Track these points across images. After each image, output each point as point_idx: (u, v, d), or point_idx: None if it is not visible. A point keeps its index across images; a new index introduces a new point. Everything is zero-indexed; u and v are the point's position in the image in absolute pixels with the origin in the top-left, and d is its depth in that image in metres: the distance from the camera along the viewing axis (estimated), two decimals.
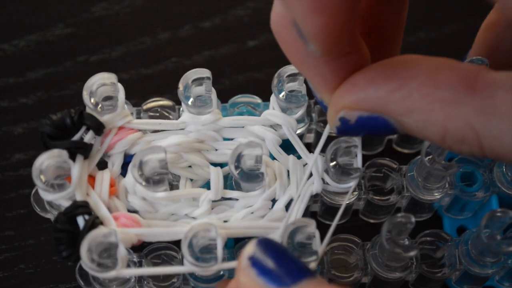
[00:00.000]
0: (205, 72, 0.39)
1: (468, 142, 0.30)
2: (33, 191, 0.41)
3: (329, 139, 0.43)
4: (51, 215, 0.41)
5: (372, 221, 0.46)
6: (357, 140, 0.38)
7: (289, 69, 0.40)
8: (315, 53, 0.30)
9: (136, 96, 0.50)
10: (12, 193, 0.49)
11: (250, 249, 0.33)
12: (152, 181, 0.37)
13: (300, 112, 0.41)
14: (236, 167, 0.38)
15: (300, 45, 0.32)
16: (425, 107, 0.30)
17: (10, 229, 0.48)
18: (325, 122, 0.45)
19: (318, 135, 0.45)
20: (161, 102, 0.44)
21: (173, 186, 0.42)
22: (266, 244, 0.33)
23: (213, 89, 0.41)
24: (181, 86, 0.40)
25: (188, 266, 0.36)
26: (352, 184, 0.39)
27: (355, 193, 0.42)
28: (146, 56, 0.54)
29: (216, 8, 0.56)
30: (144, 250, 0.41)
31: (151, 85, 0.53)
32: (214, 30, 0.55)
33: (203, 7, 0.56)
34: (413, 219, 0.37)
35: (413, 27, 0.55)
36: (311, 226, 0.36)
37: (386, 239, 0.38)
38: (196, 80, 0.40)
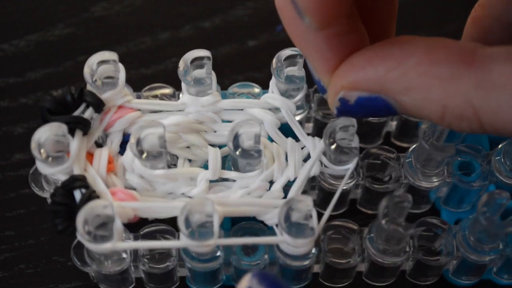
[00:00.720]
0: (205, 52, 0.40)
1: (467, 118, 0.30)
2: (32, 169, 0.41)
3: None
4: (48, 194, 0.41)
5: (370, 211, 0.46)
6: (354, 120, 0.38)
7: (288, 52, 0.40)
8: (310, 27, 0.30)
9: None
10: (12, 193, 0.49)
11: (244, 283, 0.33)
12: (150, 156, 0.37)
13: (299, 95, 0.41)
14: (234, 145, 0.38)
15: (300, 21, 0.32)
16: (423, 84, 0.30)
17: (10, 229, 0.47)
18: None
19: (317, 124, 0.45)
20: (161, 90, 0.44)
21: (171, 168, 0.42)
22: (261, 277, 0.33)
23: (213, 72, 0.41)
24: (181, 66, 0.40)
25: (184, 241, 0.36)
26: (351, 166, 0.39)
27: (353, 179, 0.42)
28: (146, 56, 0.54)
29: (216, 8, 0.56)
30: (140, 231, 0.40)
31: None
32: (214, 30, 0.56)
33: (203, 7, 0.57)
34: (410, 198, 0.37)
35: (413, 27, 0.55)
36: (307, 202, 0.36)
37: (383, 216, 0.37)
38: (196, 60, 0.40)
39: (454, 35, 0.55)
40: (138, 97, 0.44)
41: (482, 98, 0.29)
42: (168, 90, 0.45)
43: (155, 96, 0.44)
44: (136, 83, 0.52)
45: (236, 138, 0.38)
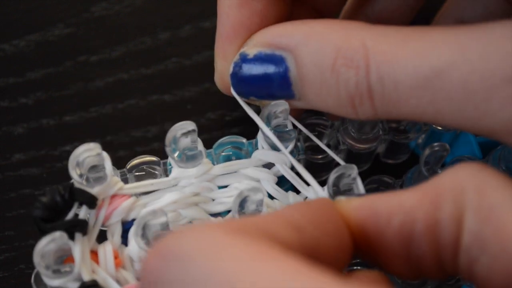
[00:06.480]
0: (190, 125, 0.39)
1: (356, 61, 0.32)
2: (34, 273, 0.40)
3: (321, 166, 0.43)
4: None
5: None
6: (355, 168, 0.38)
7: (275, 107, 0.39)
8: None
9: (136, 96, 0.50)
10: (12, 193, 0.49)
11: None
12: None
13: (290, 146, 0.40)
14: (240, 213, 0.37)
15: None
16: (321, 32, 0.34)
17: (10, 229, 0.48)
18: (311, 149, 0.44)
19: (307, 164, 0.45)
20: (144, 159, 0.43)
21: None
22: None
23: (198, 139, 0.40)
24: (167, 143, 0.39)
25: None
26: None
27: None
28: (146, 56, 0.54)
29: (216, 8, 0.56)
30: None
31: (151, 85, 0.53)
32: (214, 30, 0.55)
33: (203, 7, 0.56)
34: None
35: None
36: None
37: None
38: (182, 134, 0.39)
39: None
40: (123, 174, 0.42)
41: (375, 40, 0.31)
42: (151, 159, 0.43)
43: (141, 169, 0.42)
44: (136, 83, 0.53)
45: (241, 205, 0.37)
